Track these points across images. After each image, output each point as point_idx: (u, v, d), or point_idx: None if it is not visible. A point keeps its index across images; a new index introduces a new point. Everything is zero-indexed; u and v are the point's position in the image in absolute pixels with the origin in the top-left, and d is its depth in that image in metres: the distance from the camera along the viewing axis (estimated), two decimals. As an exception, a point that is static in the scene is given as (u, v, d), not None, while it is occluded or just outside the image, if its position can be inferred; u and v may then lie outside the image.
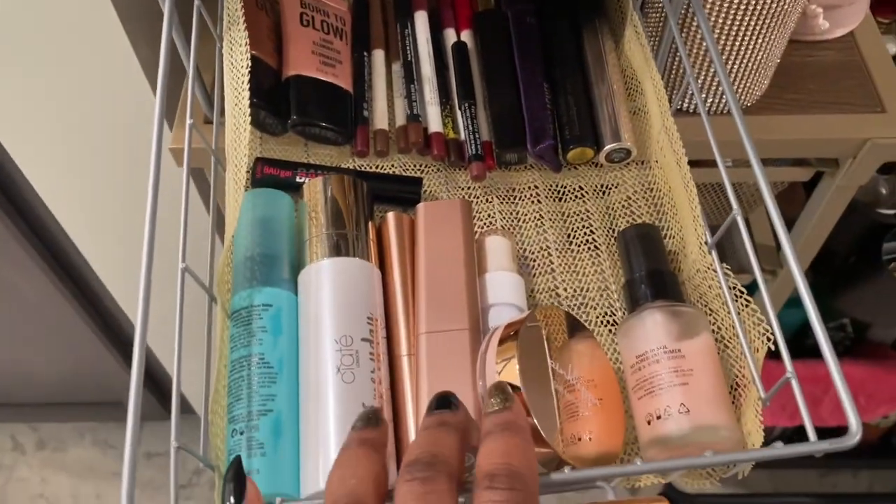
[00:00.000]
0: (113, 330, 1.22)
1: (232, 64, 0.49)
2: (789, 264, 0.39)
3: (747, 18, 0.55)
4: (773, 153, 0.65)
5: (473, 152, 0.52)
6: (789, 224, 0.81)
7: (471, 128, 0.53)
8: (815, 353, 0.40)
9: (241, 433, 0.37)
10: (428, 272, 0.44)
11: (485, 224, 0.52)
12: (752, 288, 0.90)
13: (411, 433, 0.40)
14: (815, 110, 0.64)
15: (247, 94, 0.46)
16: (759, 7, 0.54)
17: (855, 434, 0.35)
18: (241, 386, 0.39)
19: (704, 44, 0.58)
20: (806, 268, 0.84)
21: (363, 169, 0.54)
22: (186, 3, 0.51)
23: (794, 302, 1.20)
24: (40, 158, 0.78)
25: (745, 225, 0.43)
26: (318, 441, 0.38)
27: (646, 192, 0.53)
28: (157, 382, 1.34)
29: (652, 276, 0.45)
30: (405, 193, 0.52)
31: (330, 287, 0.42)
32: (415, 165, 0.55)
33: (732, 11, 0.55)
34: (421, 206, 0.46)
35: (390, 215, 0.47)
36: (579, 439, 0.40)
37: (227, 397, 0.39)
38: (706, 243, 0.45)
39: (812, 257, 0.82)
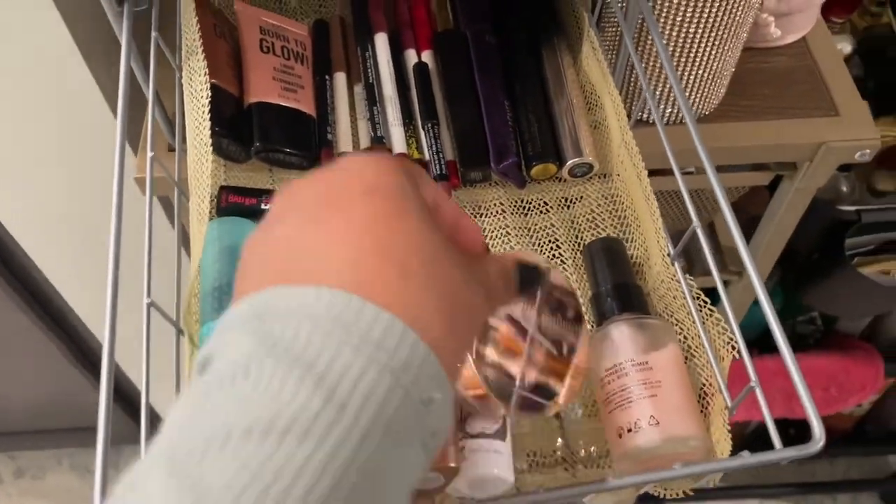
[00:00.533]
0: (87, 355, 1.21)
1: (192, 94, 0.49)
2: (748, 271, 0.40)
3: (700, 31, 0.56)
4: (732, 160, 0.66)
5: (438, 172, 0.53)
6: (755, 221, 0.82)
7: (434, 147, 0.54)
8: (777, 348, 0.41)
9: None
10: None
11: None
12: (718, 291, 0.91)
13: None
14: (771, 116, 0.65)
15: (207, 124, 0.46)
16: (711, 20, 0.55)
17: (819, 441, 0.36)
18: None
19: (657, 55, 0.59)
20: (772, 266, 0.86)
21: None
22: (146, 33, 0.51)
23: (763, 298, 1.21)
24: (5, 189, 0.78)
25: (705, 234, 0.44)
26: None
27: (609, 205, 0.54)
28: (133, 405, 1.33)
29: (618, 289, 0.46)
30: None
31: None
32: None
33: (686, 25, 0.56)
34: None
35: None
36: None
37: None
38: (669, 255, 0.46)
39: (777, 256, 0.84)
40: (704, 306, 0.44)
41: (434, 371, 0.23)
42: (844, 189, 0.98)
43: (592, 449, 0.46)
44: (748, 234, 0.82)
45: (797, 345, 1.32)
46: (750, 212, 0.94)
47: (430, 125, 0.55)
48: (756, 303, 1.03)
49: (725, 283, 0.94)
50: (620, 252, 0.48)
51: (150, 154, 0.45)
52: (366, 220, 0.24)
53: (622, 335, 0.44)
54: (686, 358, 0.45)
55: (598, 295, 0.46)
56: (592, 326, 0.47)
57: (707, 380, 0.44)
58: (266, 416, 0.20)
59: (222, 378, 0.22)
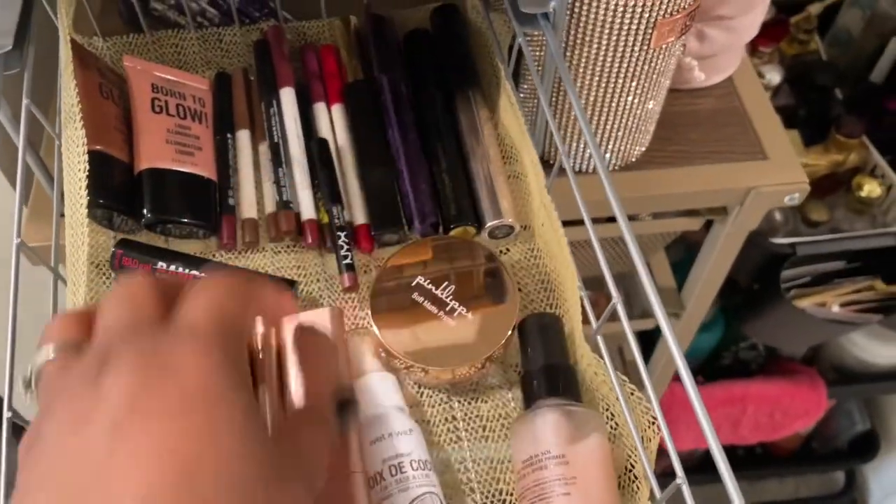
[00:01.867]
0: None
1: (70, 166, 0.44)
2: (659, 323, 0.37)
3: (621, 80, 0.54)
4: (662, 206, 0.65)
5: (345, 263, 0.49)
6: (696, 247, 0.80)
7: (341, 237, 0.50)
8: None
9: None
10: (299, 403, 0.40)
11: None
12: (657, 332, 0.89)
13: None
14: (699, 161, 0.63)
15: (84, 201, 0.42)
16: (631, 69, 0.53)
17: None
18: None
19: (575, 112, 0.57)
20: (710, 302, 0.84)
21: (233, 262, 0.50)
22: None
23: (706, 327, 1.21)
24: None
25: (622, 305, 0.41)
26: None
27: (532, 266, 0.51)
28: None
29: (547, 371, 0.43)
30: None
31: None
32: (289, 251, 0.51)
33: (605, 74, 0.54)
34: (285, 319, 0.43)
35: (258, 324, 0.43)
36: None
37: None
38: (590, 331, 0.43)
39: (715, 292, 0.82)
40: (626, 385, 0.41)
41: None
42: (779, 219, 0.97)
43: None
44: (689, 262, 0.80)
45: (741, 371, 1.32)
46: (690, 240, 0.93)
47: (336, 209, 0.50)
48: (701, 331, 1.02)
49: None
50: (556, 330, 0.45)
51: (15, 241, 0.40)
52: (174, 440, 0.21)
53: (545, 423, 0.40)
54: (612, 437, 0.42)
55: (529, 374, 0.43)
56: (520, 405, 0.44)
57: (634, 460, 0.41)
58: None
59: None
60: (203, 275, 0.26)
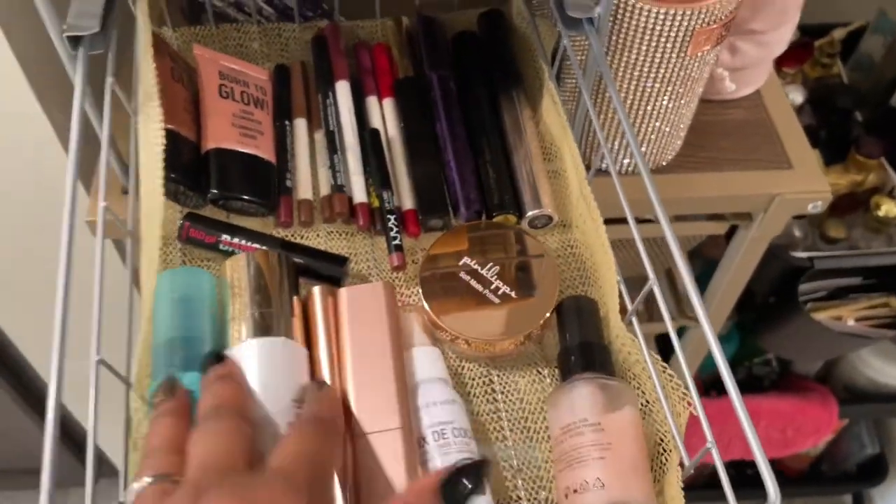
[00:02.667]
0: (32, 394, 1.17)
1: (146, 140, 0.48)
2: (701, 323, 0.40)
3: (657, 86, 0.57)
4: (689, 210, 0.68)
5: (394, 244, 0.52)
6: (713, 264, 0.83)
7: (391, 220, 0.53)
8: (741, 388, 0.41)
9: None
10: (355, 366, 0.43)
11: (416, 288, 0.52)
12: (681, 331, 0.92)
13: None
14: (727, 167, 0.66)
15: (161, 173, 0.45)
16: (667, 76, 0.56)
17: (774, 501, 0.36)
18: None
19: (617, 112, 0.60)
20: (729, 311, 0.87)
21: (290, 239, 0.54)
22: (101, 75, 0.50)
23: (721, 341, 1.23)
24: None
25: (665, 285, 0.44)
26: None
27: (569, 256, 0.54)
28: (80, 446, 1.29)
29: (583, 347, 0.45)
30: (329, 272, 0.51)
31: (255, 369, 0.41)
32: (340, 233, 0.55)
33: (643, 80, 0.57)
34: (343, 291, 0.46)
35: (316, 290, 0.46)
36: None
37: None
38: (626, 312, 0.46)
39: (734, 302, 0.85)
40: (658, 362, 0.44)
41: None
42: (798, 235, 1.00)
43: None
44: (706, 277, 0.83)
45: (754, 386, 1.34)
46: (707, 256, 0.96)
47: (386, 193, 0.54)
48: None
49: (682, 329, 0.95)
50: (591, 312, 0.48)
51: (101, 204, 0.43)
52: None
53: (581, 395, 0.43)
54: (643, 414, 0.45)
55: (564, 352, 0.46)
56: (557, 381, 0.47)
57: (664, 435, 0.44)
58: None
59: None
60: (295, 419, 0.33)
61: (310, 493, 0.28)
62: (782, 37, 0.66)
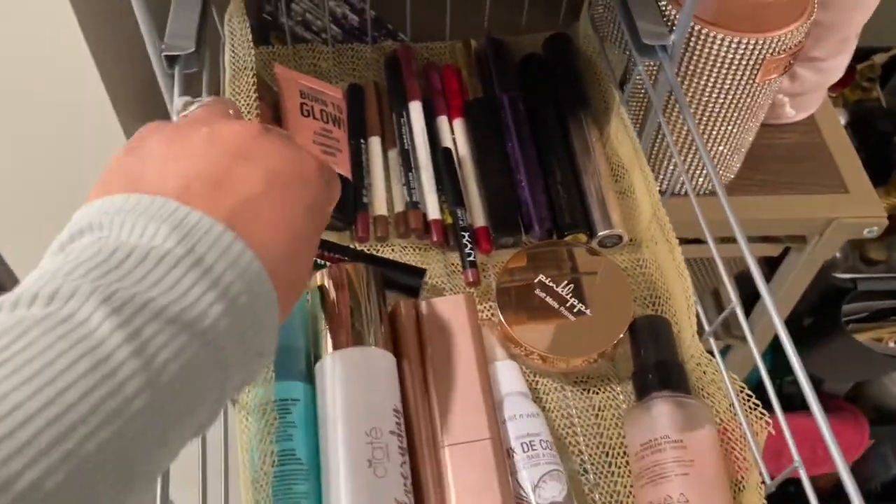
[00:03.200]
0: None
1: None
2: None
3: (724, 110, 0.59)
4: (746, 232, 0.69)
5: (469, 260, 0.54)
6: (755, 293, 0.84)
7: (465, 237, 0.55)
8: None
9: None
10: (440, 376, 0.45)
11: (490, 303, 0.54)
12: (725, 350, 0.93)
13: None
14: (783, 191, 0.68)
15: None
16: (734, 102, 0.58)
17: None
18: (276, 482, 0.39)
19: (683, 130, 0.62)
20: (776, 329, 0.88)
21: (370, 252, 0.55)
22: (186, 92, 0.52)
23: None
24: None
25: (741, 307, 0.46)
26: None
27: (639, 275, 0.55)
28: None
29: (660, 366, 0.47)
30: (407, 283, 0.53)
31: (354, 378, 0.43)
32: (414, 248, 0.56)
33: (710, 106, 0.58)
34: (425, 304, 0.47)
35: (402, 303, 0.48)
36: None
37: (256, 492, 0.39)
38: (700, 332, 0.47)
39: (781, 322, 0.86)
40: (736, 382, 0.46)
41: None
42: (838, 256, 1.01)
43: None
44: (755, 296, 0.84)
45: (785, 404, 1.34)
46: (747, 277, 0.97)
47: (459, 211, 0.56)
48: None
49: (727, 348, 0.96)
50: (666, 331, 0.49)
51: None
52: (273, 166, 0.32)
53: (661, 412, 0.45)
54: (718, 432, 0.46)
55: (641, 370, 0.48)
56: (633, 401, 0.48)
57: (741, 453, 0.45)
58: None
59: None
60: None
61: (330, 194, 0.35)
62: (840, 64, 0.67)
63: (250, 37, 0.53)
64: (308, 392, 0.44)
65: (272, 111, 0.57)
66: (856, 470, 1.55)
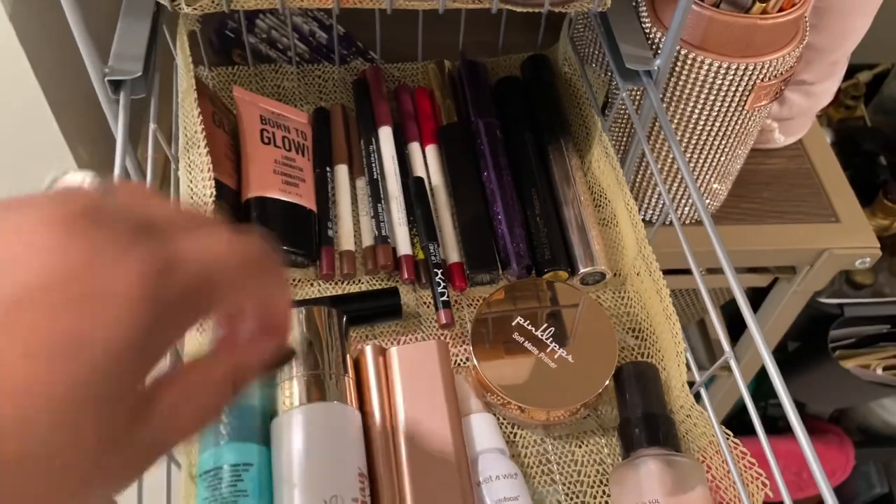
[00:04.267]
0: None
1: (192, 189, 0.46)
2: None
3: (711, 139, 0.56)
4: (734, 262, 0.65)
5: (442, 300, 0.50)
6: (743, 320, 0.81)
7: (438, 274, 0.51)
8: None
9: None
10: (411, 434, 0.41)
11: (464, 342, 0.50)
12: (708, 382, 0.90)
13: None
14: (771, 219, 0.65)
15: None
16: (723, 130, 0.55)
17: None
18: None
19: (668, 158, 0.58)
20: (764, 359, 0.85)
21: (331, 292, 0.51)
22: (133, 120, 0.48)
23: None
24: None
25: (734, 360, 0.42)
26: None
27: (623, 315, 0.52)
28: None
29: (647, 419, 0.43)
30: (384, 308, 0.49)
31: (312, 438, 0.39)
32: (384, 284, 0.52)
33: (697, 133, 0.55)
34: (395, 351, 0.43)
35: (368, 350, 0.44)
36: None
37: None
38: (690, 383, 0.44)
39: (769, 352, 0.83)
40: (730, 438, 0.42)
41: None
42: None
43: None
44: (740, 324, 0.81)
45: (769, 428, 1.32)
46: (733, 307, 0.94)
47: (431, 246, 0.52)
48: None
49: (712, 378, 0.93)
50: (653, 379, 0.46)
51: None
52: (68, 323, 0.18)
53: (649, 472, 0.41)
54: (711, 490, 0.43)
55: (627, 422, 0.44)
56: (618, 455, 0.45)
57: (734, 514, 0.42)
58: None
59: None
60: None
61: (167, 305, 0.20)
62: (830, 88, 0.64)
63: (191, 57, 0.49)
64: (264, 454, 0.40)
65: (230, 138, 0.53)
66: (839, 490, 1.53)
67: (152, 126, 0.47)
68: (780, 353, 1.06)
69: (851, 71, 1.09)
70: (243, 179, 0.51)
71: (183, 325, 0.21)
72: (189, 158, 0.47)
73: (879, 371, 0.96)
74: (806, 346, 1.00)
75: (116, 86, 0.46)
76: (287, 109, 0.57)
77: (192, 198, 0.45)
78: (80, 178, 0.23)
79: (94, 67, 0.45)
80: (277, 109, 0.56)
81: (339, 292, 0.52)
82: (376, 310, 0.50)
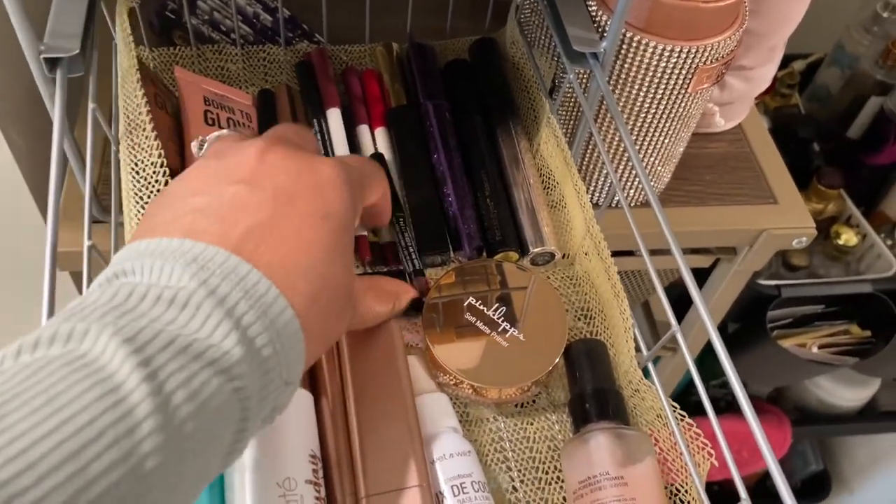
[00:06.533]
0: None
1: (137, 172, 0.44)
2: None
3: (655, 121, 0.57)
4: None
5: (410, 266, 0.50)
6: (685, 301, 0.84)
7: (404, 241, 0.51)
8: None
9: None
10: (364, 415, 0.41)
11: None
12: (654, 361, 0.92)
13: None
14: (713, 202, 0.66)
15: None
16: (666, 112, 0.56)
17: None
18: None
19: (614, 139, 0.59)
20: (704, 343, 0.87)
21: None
22: (71, 99, 0.46)
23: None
24: None
25: (681, 334, 0.43)
26: None
27: (572, 294, 0.53)
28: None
29: (597, 394, 0.44)
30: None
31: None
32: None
33: (641, 116, 0.56)
34: (345, 333, 0.43)
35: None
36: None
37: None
38: (638, 358, 0.45)
39: (712, 331, 0.85)
40: (677, 410, 0.43)
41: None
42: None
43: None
44: (684, 307, 0.83)
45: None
46: (679, 285, 0.96)
47: (395, 218, 0.52)
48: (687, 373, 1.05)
49: (657, 359, 0.95)
50: (603, 356, 0.46)
51: (87, 243, 0.40)
52: (300, 219, 0.31)
53: (599, 445, 0.42)
54: (659, 460, 0.44)
55: (577, 398, 0.45)
56: (569, 431, 0.45)
57: (682, 484, 0.43)
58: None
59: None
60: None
61: (355, 195, 0.34)
62: (768, 73, 0.66)
63: (131, 35, 0.47)
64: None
65: (173, 120, 0.52)
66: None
67: (91, 105, 0.45)
68: (720, 335, 1.09)
69: (787, 60, 1.13)
70: (187, 162, 0.50)
71: (360, 204, 0.35)
72: (133, 140, 0.45)
73: (815, 349, 1.00)
74: (745, 327, 1.04)
75: (53, 63, 0.44)
76: (231, 91, 0.55)
77: (138, 181, 0.44)
78: (225, 133, 0.38)
79: (29, 45, 0.44)
80: (221, 91, 0.55)
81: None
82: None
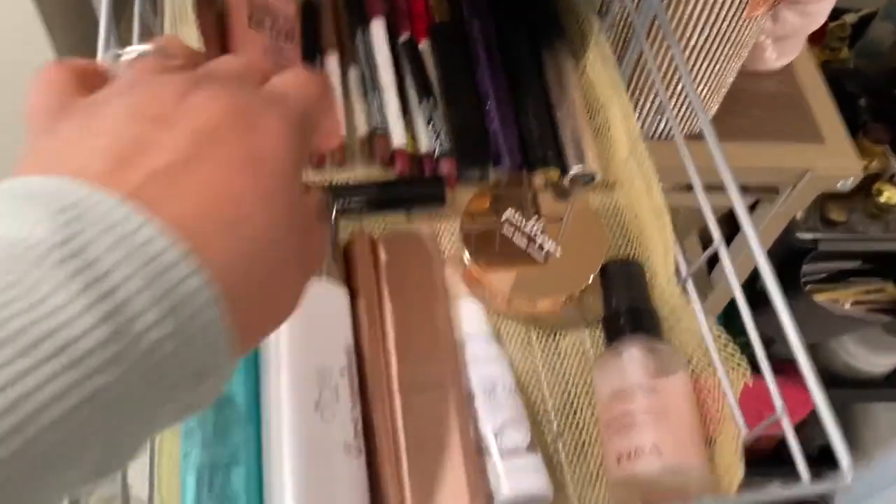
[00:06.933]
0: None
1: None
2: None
3: (707, 45, 0.55)
4: (717, 180, 0.66)
5: (440, 153, 0.50)
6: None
7: (434, 127, 0.51)
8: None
9: (208, 485, 0.33)
10: (398, 316, 0.41)
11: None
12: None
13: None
14: (759, 138, 0.65)
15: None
16: (718, 36, 0.54)
17: (847, 474, 0.35)
18: (205, 429, 0.35)
19: (664, 63, 0.58)
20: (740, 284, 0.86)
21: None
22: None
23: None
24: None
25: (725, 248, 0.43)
26: (285, 489, 0.34)
27: (611, 220, 0.52)
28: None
29: (631, 311, 0.44)
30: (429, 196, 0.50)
31: (302, 312, 0.38)
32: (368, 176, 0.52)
33: (694, 37, 0.55)
34: (383, 238, 0.43)
35: (357, 236, 0.44)
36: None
37: (183, 442, 0.35)
38: (678, 276, 0.44)
39: (744, 278, 0.84)
40: (714, 327, 0.43)
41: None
42: (799, 216, 1.00)
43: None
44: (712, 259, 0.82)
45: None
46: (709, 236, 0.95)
47: (427, 100, 0.51)
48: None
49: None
50: (639, 276, 0.46)
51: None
52: (230, 179, 0.24)
53: (631, 357, 0.42)
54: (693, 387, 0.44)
55: (611, 315, 0.44)
56: (602, 346, 0.45)
57: (713, 404, 0.43)
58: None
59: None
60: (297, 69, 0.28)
61: (298, 138, 0.26)
62: (824, 9, 0.64)
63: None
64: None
65: (216, 23, 0.51)
66: (798, 431, 1.59)
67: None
68: (750, 289, 1.08)
69: (838, 13, 1.09)
70: (231, 62, 0.50)
71: (308, 141, 0.27)
72: (182, 33, 0.45)
73: (848, 306, 0.98)
74: (779, 280, 1.02)
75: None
76: (277, -4, 0.55)
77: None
78: (147, 50, 0.26)
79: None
80: (267, -5, 0.54)
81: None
82: (422, 196, 0.50)
